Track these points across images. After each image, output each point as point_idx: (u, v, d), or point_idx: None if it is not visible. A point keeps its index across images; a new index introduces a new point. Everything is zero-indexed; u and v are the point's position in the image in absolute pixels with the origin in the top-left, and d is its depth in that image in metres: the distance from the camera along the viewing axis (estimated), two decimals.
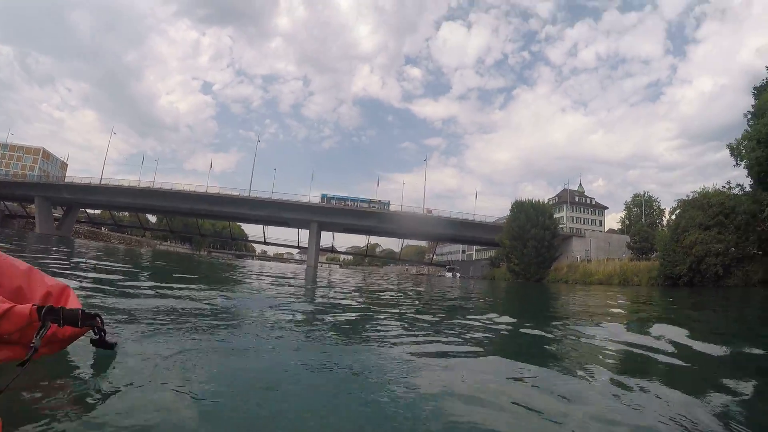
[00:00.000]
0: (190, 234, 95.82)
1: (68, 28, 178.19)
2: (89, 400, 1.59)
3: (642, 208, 69.89)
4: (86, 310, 1.86)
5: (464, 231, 65.15)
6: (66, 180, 71.63)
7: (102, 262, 10.58)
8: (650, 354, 3.38)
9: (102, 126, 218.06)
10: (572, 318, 6.74)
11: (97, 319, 1.95)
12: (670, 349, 3.56)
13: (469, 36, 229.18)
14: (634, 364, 3.20)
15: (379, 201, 65.82)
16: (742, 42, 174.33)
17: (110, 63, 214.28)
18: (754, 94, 31.45)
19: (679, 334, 4.36)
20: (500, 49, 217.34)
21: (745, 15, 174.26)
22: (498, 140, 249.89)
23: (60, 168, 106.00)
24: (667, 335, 4.23)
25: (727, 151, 31.30)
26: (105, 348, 2.09)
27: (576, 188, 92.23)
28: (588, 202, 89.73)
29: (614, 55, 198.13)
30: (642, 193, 73.13)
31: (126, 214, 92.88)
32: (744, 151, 28.89)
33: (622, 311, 8.66)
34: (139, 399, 1.61)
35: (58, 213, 74.46)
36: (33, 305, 1.65)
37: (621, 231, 70.56)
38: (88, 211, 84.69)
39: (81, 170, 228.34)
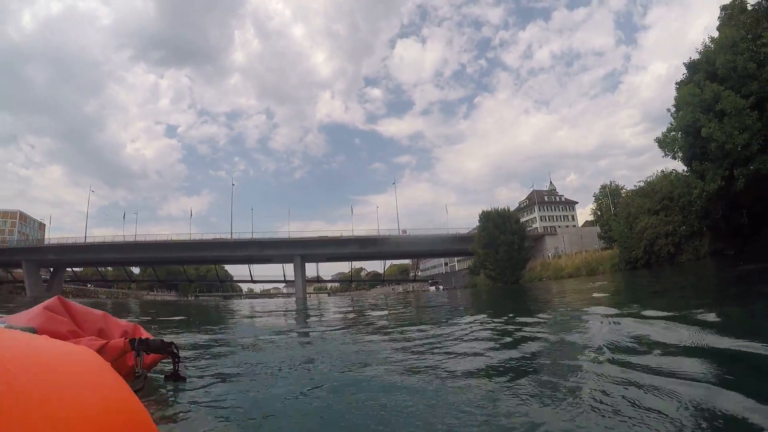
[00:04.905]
0: (176, 281, 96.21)
1: (24, 83, 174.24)
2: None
3: (610, 198, 72.23)
4: (164, 339, 2.11)
5: (440, 246, 66.94)
6: (51, 241, 71.04)
7: None
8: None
9: (70, 180, 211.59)
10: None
11: (173, 345, 2.15)
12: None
13: (425, 51, 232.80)
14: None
15: None
16: (691, 22, 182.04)
17: (71, 115, 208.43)
18: (676, 88, 34.15)
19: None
20: (457, 60, 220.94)
21: None
22: (467, 150, 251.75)
23: (38, 229, 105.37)
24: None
25: None
26: (178, 380, 2.20)
27: (546, 187, 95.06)
28: (557, 199, 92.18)
29: (568, 51, 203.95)
30: (608, 183, 75.72)
31: (110, 268, 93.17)
32: (669, 143, 31.60)
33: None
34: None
35: (43, 275, 74.61)
36: (125, 338, 1.94)
37: (593, 223, 72.99)
38: (74, 269, 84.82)
39: (55, 228, 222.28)
